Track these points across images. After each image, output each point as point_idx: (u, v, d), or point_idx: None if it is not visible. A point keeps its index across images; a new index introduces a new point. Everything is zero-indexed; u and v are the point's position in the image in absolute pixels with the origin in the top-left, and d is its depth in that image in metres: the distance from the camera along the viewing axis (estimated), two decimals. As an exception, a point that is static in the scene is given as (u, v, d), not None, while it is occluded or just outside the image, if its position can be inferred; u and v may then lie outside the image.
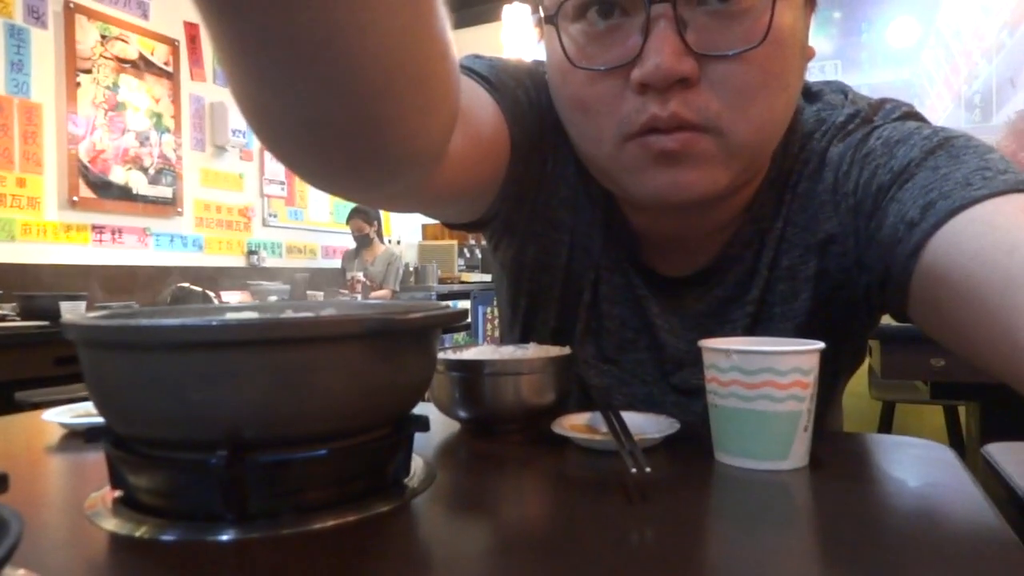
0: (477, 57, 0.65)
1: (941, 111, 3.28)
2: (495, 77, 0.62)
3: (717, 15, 0.52)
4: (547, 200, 0.70)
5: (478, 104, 0.59)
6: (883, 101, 0.66)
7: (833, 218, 0.62)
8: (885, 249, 0.55)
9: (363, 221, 4.56)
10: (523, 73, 0.66)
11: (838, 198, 0.62)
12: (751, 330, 0.67)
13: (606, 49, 0.55)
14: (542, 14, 0.59)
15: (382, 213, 5.17)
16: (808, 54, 0.59)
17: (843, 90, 0.68)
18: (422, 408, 0.54)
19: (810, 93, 0.68)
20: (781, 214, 0.65)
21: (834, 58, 3.47)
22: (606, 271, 0.71)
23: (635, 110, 0.54)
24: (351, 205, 4.91)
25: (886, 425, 2.49)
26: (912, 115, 0.64)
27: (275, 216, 4.63)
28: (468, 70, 0.62)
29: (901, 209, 0.54)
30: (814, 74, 3.58)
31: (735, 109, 0.53)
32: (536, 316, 0.77)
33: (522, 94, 0.64)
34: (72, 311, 2.40)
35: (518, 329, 0.80)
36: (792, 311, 0.65)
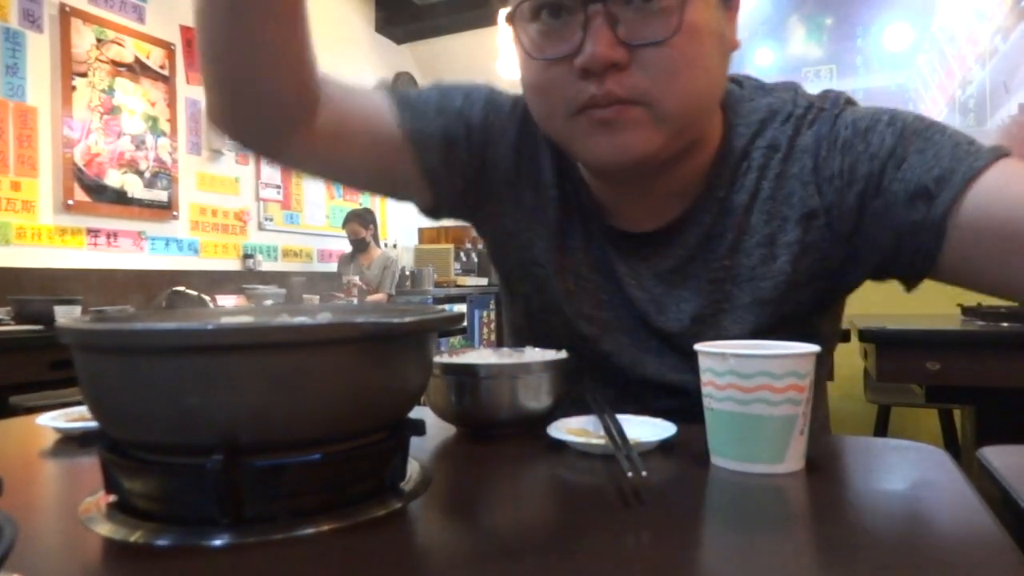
0: (428, 87, 0.84)
1: (936, 115, 3.29)
2: (401, 95, 0.80)
3: (641, 11, 0.63)
4: (492, 180, 0.82)
5: (367, 101, 0.79)
6: (826, 93, 0.76)
7: (815, 196, 0.71)
8: (900, 222, 0.66)
9: (359, 225, 4.56)
10: (459, 89, 0.83)
11: (821, 180, 0.71)
12: (723, 284, 0.74)
13: (555, 43, 0.66)
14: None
15: (379, 217, 5.16)
16: (731, 45, 0.71)
17: (793, 88, 0.78)
18: (418, 412, 0.54)
19: (764, 89, 0.79)
20: (745, 188, 0.74)
21: (829, 63, 3.48)
22: (572, 238, 0.80)
23: (579, 91, 0.66)
24: (347, 209, 4.91)
25: (882, 428, 2.50)
26: (850, 101, 0.75)
27: (271, 220, 4.63)
28: (393, 95, 0.81)
29: (908, 187, 0.65)
30: (810, 79, 3.60)
31: (661, 85, 0.65)
32: (523, 287, 0.85)
33: (434, 102, 0.80)
34: (67, 315, 2.39)
35: (518, 305, 0.88)
36: (772, 271, 0.73)
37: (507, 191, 0.82)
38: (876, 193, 0.67)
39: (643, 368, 0.78)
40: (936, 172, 0.63)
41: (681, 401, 0.70)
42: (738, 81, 0.79)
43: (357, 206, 5.16)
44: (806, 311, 0.74)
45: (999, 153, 0.63)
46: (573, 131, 0.68)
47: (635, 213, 0.78)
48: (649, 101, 0.65)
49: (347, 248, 4.75)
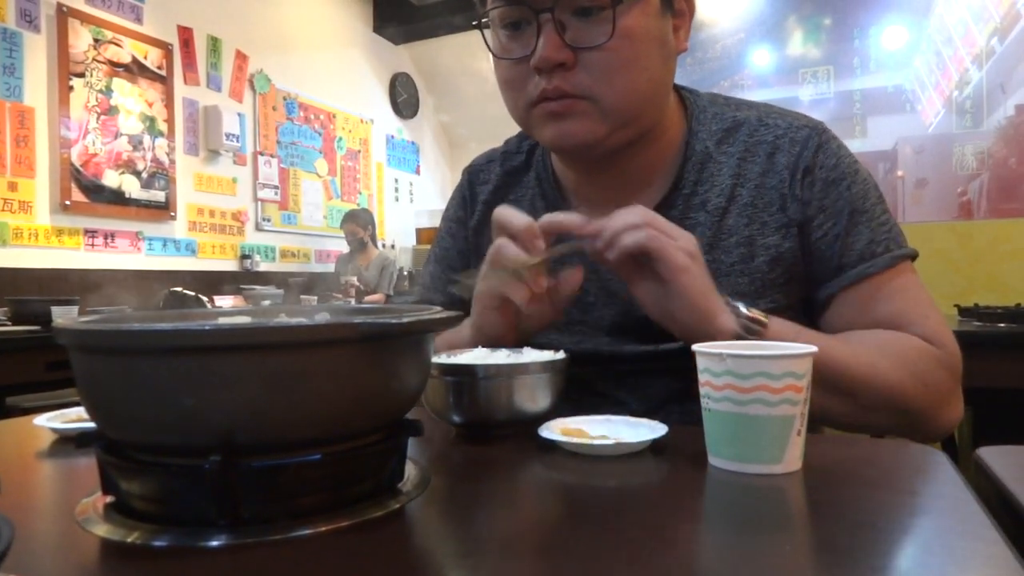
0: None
1: (932, 116, 3.30)
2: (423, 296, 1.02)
3: (585, 20, 0.74)
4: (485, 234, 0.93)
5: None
6: (800, 119, 0.84)
7: (793, 208, 0.81)
8: (821, 271, 0.81)
9: (357, 225, 4.55)
10: (446, 225, 1.02)
11: (797, 200, 0.81)
12: None
13: (518, 46, 0.78)
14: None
15: (376, 218, 5.16)
16: (677, 48, 0.81)
17: (756, 107, 0.88)
18: (416, 412, 0.54)
19: (726, 103, 0.89)
20: (720, 190, 0.83)
21: (826, 64, 3.49)
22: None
23: (535, 86, 0.77)
24: (345, 209, 4.91)
25: (879, 429, 2.49)
26: (824, 132, 0.84)
27: (269, 220, 4.62)
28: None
29: (831, 254, 0.80)
30: (807, 80, 3.59)
31: (603, 83, 0.75)
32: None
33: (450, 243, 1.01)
34: (64, 315, 2.38)
35: None
36: (750, 269, 0.81)
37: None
38: (814, 237, 0.80)
39: (621, 348, 0.83)
40: (844, 260, 0.79)
41: (663, 381, 0.80)
42: (693, 91, 0.90)
43: (355, 207, 5.16)
44: (783, 307, 0.80)
45: (896, 260, 0.78)
46: (531, 119, 0.81)
47: (610, 212, 0.84)
48: (593, 96, 0.76)
49: (345, 248, 4.74)
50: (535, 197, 0.93)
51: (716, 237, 0.82)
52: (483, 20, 0.80)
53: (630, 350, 0.82)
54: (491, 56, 0.81)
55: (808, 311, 0.86)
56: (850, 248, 0.79)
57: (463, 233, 0.99)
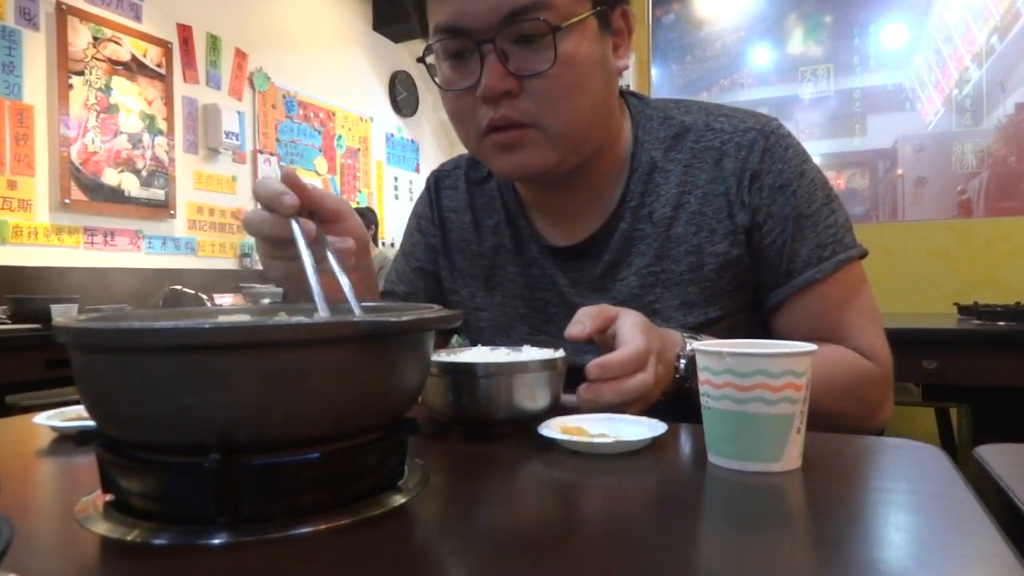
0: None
1: (932, 114, 3.30)
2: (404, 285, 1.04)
3: (527, 48, 0.75)
4: (454, 242, 0.99)
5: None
6: (748, 121, 0.84)
7: (739, 214, 0.82)
8: (771, 277, 0.82)
9: (357, 224, 4.54)
10: (410, 233, 1.06)
11: (744, 205, 0.81)
12: (653, 288, 0.84)
13: (462, 77, 0.78)
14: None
15: (378, 216, 5.16)
16: (617, 67, 0.82)
17: (705, 109, 0.88)
18: (415, 411, 0.54)
19: (677, 106, 0.89)
20: (667, 199, 0.84)
21: (826, 62, 3.48)
22: (520, 265, 0.93)
23: (483, 116, 0.78)
24: (345, 208, 4.89)
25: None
26: (775, 132, 0.83)
27: (268, 219, 4.62)
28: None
29: (779, 261, 0.81)
30: (807, 78, 3.59)
31: (547, 110, 0.76)
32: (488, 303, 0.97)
33: (418, 244, 1.04)
34: (63, 314, 2.38)
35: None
36: (699, 278, 0.82)
37: (470, 241, 0.98)
38: (762, 244, 0.82)
39: (583, 360, 0.83)
40: (792, 266, 0.80)
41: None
42: (642, 99, 0.90)
43: (356, 205, 5.15)
44: (733, 312, 0.82)
45: (842, 264, 0.79)
46: (482, 150, 0.82)
47: (567, 227, 0.89)
48: (540, 123, 0.77)
49: (344, 247, 4.72)
50: (500, 208, 0.96)
51: (664, 248, 0.83)
52: (426, 53, 0.81)
53: (591, 360, 0.83)
54: (440, 89, 0.82)
55: (758, 312, 0.87)
56: (797, 254, 0.80)
57: (430, 229, 1.02)
